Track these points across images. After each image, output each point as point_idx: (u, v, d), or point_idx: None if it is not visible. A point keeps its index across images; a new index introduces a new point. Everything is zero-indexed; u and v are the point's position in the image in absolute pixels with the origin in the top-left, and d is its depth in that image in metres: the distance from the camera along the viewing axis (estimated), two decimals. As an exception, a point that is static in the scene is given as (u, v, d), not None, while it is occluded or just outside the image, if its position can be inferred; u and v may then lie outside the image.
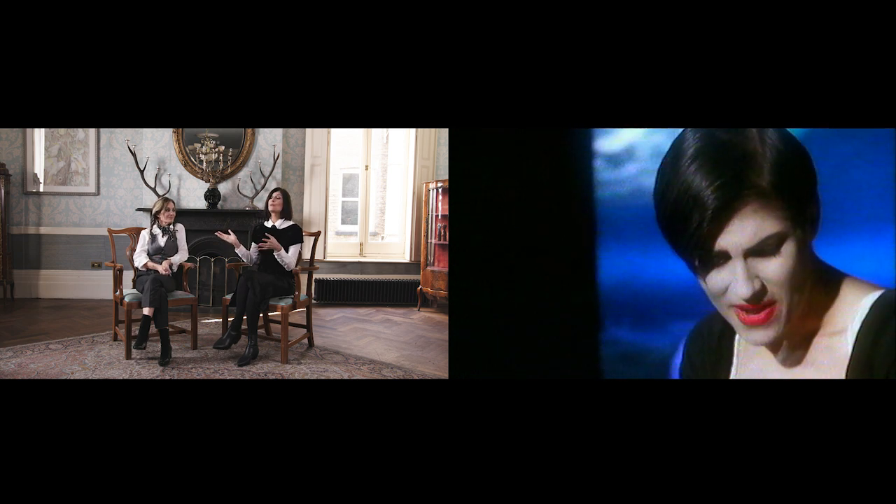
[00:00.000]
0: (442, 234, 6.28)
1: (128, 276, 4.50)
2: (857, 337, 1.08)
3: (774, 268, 1.06)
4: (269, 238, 4.19)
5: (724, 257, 1.07)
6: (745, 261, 1.06)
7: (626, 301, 2.19)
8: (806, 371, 1.16)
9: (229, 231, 4.30)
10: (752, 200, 1.05)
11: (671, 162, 1.13)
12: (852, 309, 1.10)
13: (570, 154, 2.39)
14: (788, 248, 1.06)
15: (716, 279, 1.11)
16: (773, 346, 1.20)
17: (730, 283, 1.08)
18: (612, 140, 2.17)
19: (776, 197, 1.04)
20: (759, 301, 1.07)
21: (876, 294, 1.09)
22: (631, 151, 2.17)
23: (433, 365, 4.20)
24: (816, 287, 1.12)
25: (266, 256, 4.34)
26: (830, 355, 1.12)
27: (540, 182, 2.68)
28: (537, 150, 2.82)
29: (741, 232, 1.05)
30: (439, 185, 6.29)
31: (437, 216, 6.33)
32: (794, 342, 1.18)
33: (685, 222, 1.08)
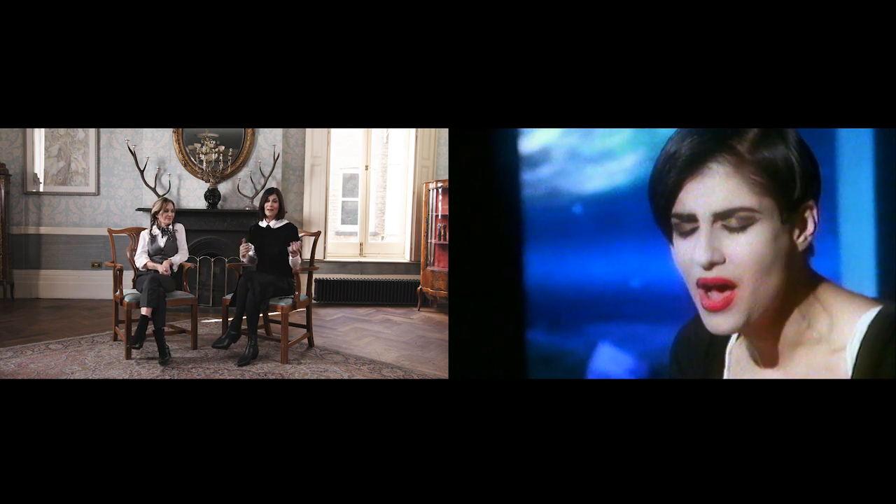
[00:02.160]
0: (442, 234, 6.28)
1: (128, 276, 4.50)
2: (857, 357, 1.04)
3: (739, 245, 1.03)
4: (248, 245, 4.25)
5: (692, 221, 1.04)
6: (712, 227, 1.03)
7: (542, 303, 2.18)
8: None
9: (246, 243, 4.29)
10: (726, 162, 1.03)
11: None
12: (849, 326, 1.06)
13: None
14: (758, 230, 1.02)
15: (683, 248, 1.07)
16: (766, 359, 1.16)
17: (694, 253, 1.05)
18: (529, 141, 2.14)
19: (756, 171, 1.02)
20: (711, 268, 1.03)
21: (873, 311, 1.05)
22: (546, 153, 2.15)
23: (433, 365, 4.20)
24: (791, 288, 1.07)
25: (265, 256, 4.34)
26: (829, 375, 1.08)
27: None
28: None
29: (711, 193, 1.02)
30: (439, 185, 6.29)
31: (437, 216, 6.33)
32: (787, 356, 1.13)
33: (660, 176, 1.07)
